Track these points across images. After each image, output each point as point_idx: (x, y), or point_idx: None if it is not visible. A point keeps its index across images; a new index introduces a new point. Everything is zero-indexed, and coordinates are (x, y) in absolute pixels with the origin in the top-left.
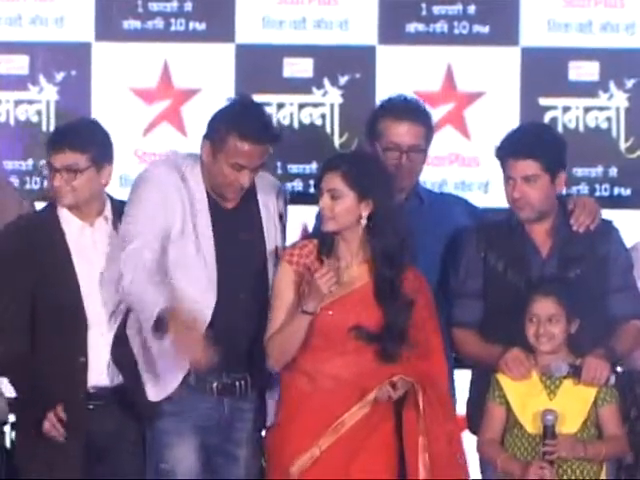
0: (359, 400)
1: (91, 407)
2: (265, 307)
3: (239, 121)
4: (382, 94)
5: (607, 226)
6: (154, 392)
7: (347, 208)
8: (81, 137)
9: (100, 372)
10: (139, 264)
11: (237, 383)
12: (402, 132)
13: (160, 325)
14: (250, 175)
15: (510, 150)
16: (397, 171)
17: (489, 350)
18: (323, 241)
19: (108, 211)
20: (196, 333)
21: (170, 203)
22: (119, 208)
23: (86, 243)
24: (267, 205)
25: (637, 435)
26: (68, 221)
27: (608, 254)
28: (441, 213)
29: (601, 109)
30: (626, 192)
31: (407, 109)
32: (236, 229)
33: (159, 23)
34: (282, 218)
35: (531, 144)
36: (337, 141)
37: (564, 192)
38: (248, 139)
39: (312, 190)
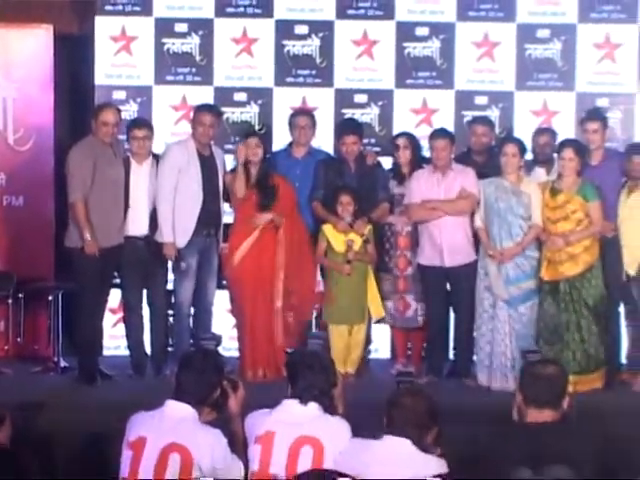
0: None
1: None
2: (220, 199)
3: (197, 107)
4: (277, 107)
5: (378, 162)
6: (180, 240)
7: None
8: (149, 124)
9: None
10: (167, 206)
11: (211, 231)
12: (302, 121)
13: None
14: (208, 127)
15: (344, 131)
16: (299, 138)
17: (328, 215)
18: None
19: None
20: None
21: (178, 159)
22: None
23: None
24: (219, 156)
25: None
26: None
27: (378, 172)
28: (318, 159)
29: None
30: None
31: (304, 111)
32: (208, 163)
33: (181, 77)
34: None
35: (355, 128)
36: (257, 127)
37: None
38: (200, 109)
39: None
